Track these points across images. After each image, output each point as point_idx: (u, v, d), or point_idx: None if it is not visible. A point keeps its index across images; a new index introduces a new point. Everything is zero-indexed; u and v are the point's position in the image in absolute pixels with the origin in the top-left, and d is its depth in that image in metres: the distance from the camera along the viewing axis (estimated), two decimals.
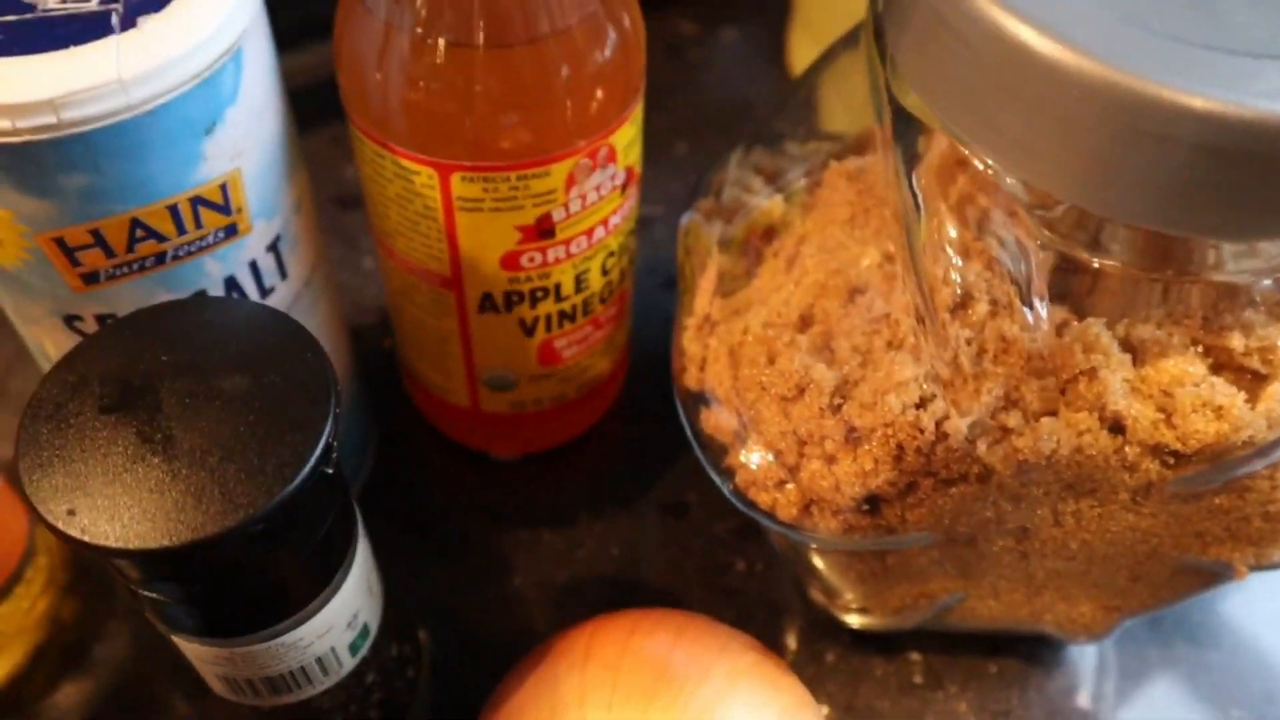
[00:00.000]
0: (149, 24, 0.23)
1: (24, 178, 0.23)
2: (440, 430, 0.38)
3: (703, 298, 0.31)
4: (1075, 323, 0.24)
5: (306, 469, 0.21)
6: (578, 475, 0.39)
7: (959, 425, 0.25)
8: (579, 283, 0.32)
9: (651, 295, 0.43)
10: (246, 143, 0.26)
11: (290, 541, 0.23)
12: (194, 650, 0.24)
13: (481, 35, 0.26)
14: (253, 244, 0.27)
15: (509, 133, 0.27)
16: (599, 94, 0.28)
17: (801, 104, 0.34)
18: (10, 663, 0.33)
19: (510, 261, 0.30)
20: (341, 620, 0.26)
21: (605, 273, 0.33)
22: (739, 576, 0.36)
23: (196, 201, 0.25)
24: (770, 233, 0.32)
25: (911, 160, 0.26)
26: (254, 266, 0.28)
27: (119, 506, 0.20)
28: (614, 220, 0.31)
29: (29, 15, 0.23)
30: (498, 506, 0.38)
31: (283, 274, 0.29)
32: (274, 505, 0.20)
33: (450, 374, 0.35)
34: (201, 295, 0.24)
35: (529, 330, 0.33)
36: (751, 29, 0.55)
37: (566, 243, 0.30)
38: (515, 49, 0.26)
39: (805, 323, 0.29)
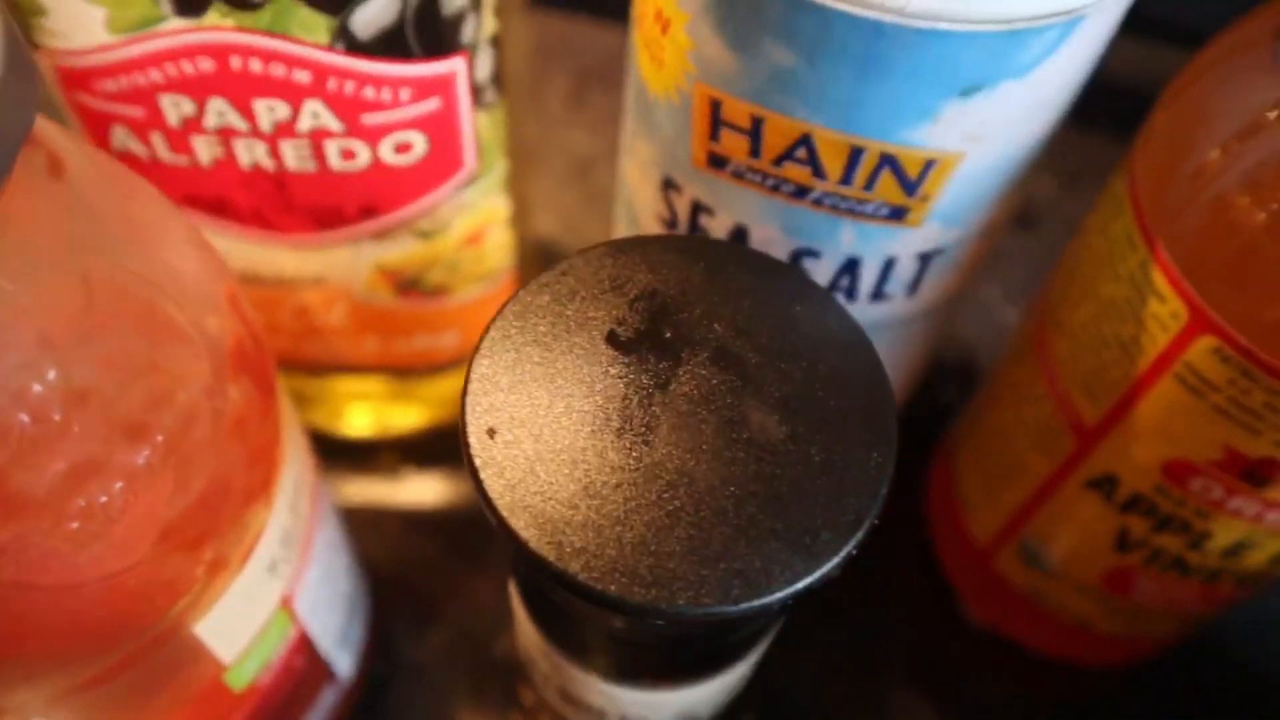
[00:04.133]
0: None
1: (727, 18, 0.17)
2: (929, 528, 0.30)
3: None
4: None
5: (826, 566, 0.14)
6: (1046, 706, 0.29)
7: None
8: (1232, 551, 0.22)
9: None
10: (996, 130, 0.18)
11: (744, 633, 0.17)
12: (540, 649, 0.19)
13: None
14: (908, 241, 0.20)
15: None
16: None
17: None
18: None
19: (1176, 471, 0.20)
20: (695, 704, 0.20)
21: (1272, 562, 0.22)
22: None
23: (888, 162, 0.18)
24: None
25: None
26: (889, 265, 0.21)
27: (567, 484, 0.14)
28: None
29: None
30: (933, 652, 0.29)
31: (911, 289, 0.21)
32: (754, 605, 0.14)
33: (989, 503, 0.26)
34: (795, 269, 0.17)
35: (1122, 544, 0.23)
36: None
37: (1268, 505, 0.20)
38: None
39: None
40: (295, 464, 0.20)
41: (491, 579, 0.29)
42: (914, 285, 0.21)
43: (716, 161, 0.20)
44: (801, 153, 0.18)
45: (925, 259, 0.21)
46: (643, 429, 0.15)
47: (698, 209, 0.21)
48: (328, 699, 0.24)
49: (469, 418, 0.15)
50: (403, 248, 0.24)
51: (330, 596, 0.22)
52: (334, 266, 0.24)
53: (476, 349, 0.16)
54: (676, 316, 0.16)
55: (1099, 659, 0.28)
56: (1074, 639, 0.27)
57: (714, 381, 0.15)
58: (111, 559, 0.15)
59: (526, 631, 0.20)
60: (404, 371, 0.28)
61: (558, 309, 0.16)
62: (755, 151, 0.19)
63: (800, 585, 0.14)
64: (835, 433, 0.15)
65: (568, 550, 0.14)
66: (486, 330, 0.16)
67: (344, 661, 0.24)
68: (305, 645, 0.22)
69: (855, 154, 0.18)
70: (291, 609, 0.20)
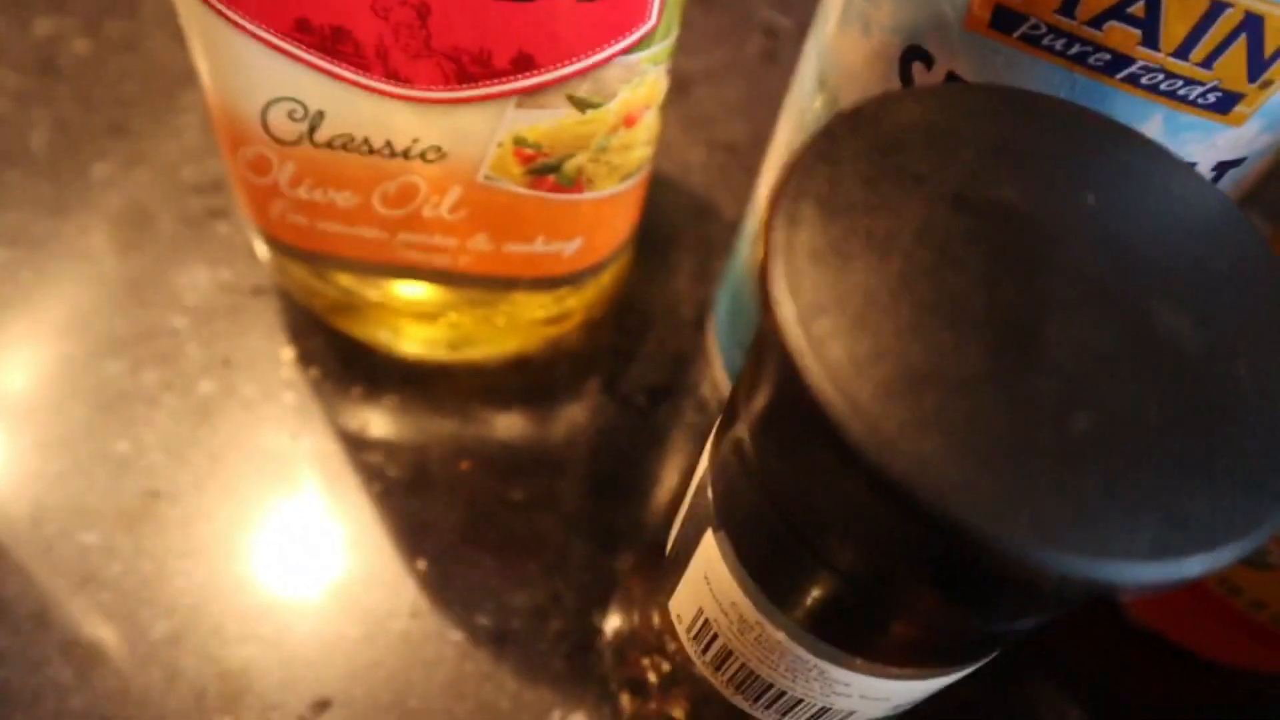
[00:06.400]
0: None
1: None
2: None
3: None
4: None
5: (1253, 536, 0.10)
6: None
7: None
8: None
9: None
10: None
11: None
12: (745, 609, 0.15)
13: None
14: (1218, 144, 0.16)
15: None
16: None
17: None
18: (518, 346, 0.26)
19: None
20: (908, 700, 0.16)
21: None
22: None
23: (1249, 27, 0.14)
24: None
25: None
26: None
27: (927, 391, 0.10)
28: None
29: None
30: (1083, 649, 0.26)
31: None
32: (1208, 563, 0.10)
33: None
34: (1158, 144, 0.14)
35: None
36: None
37: None
38: None
39: None
40: None
41: (583, 536, 0.25)
42: None
43: (1005, 20, 0.16)
44: (1138, 8, 0.14)
45: (1222, 170, 0.17)
46: (1023, 323, 0.11)
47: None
48: None
49: (777, 290, 0.11)
50: (552, 118, 0.19)
51: None
52: (462, 135, 0.19)
53: (776, 200, 0.12)
54: (1036, 183, 0.12)
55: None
56: (1262, 640, 0.24)
57: (1104, 270, 0.11)
58: None
59: (722, 597, 0.15)
60: (505, 283, 0.24)
61: (879, 159, 0.12)
62: (1069, 6, 0.15)
63: (1256, 538, 0.10)
64: (1259, 348, 0.11)
65: (943, 485, 0.10)
66: (787, 177, 0.12)
67: None
68: None
69: (1214, 12, 0.14)
70: None
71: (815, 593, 0.13)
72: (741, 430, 0.14)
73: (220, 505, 0.24)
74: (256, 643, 0.23)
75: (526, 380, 0.27)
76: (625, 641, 0.22)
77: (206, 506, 0.24)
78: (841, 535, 0.12)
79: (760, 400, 0.13)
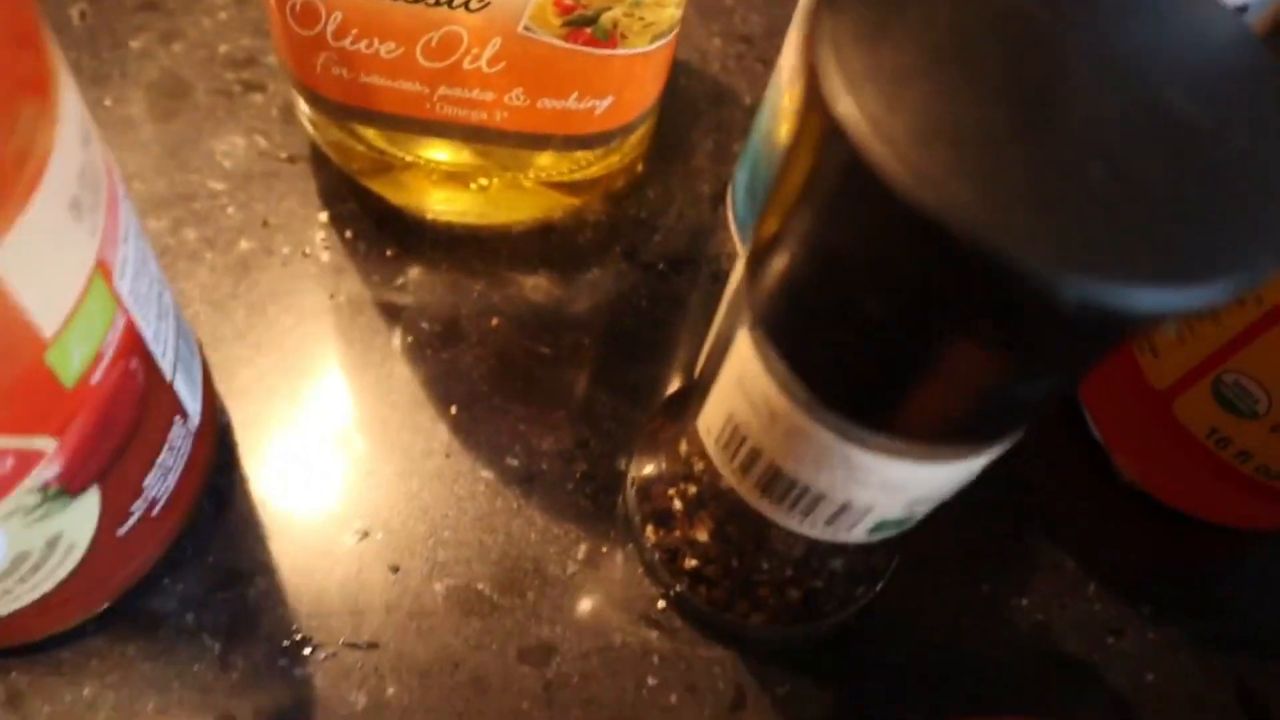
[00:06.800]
0: None
1: None
2: None
3: None
4: None
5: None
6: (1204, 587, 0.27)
7: None
8: None
9: None
10: None
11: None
12: (760, 391, 0.17)
13: None
14: None
15: None
16: None
17: None
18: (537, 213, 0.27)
19: None
20: (923, 495, 0.17)
21: None
22: None
23: None
24: None
25: None
26: None
27: (965, 151, 0.12)
28: None
29: None
30: (1077, 505, 0.27)
31: None
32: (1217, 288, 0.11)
33: (1190, 336, 0.24)
34: None
35: None
36: None
37: None
38: None
39: None
40: (74, 98, 0.15)
41: (607, 389, 0.26)
42: None
43: None
44: None
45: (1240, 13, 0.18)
46: (1044, 94, 0.12)
47: None
48: (179, 438, 0.21)
49: (823, 61, 0.12)
50: None
51: (154, 300, 0.19)
52: None
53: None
54: None
55: (1268, 520, 0.26)
56: (1248, 492, 0.25)
57: (1119, 58, 0.13)
58: None
59: (755, 394, 0.17)
60: (538, 141, 0.25)
61: None
62: None
63: (1245, 278, 0.12)
64: (1255, 126, 0.13)
65: (974, 219, 0.11)
66: None
67: (190, 399, 0.21)
68: (138, 345, 0.18)
69: None
70: (111, 284, 0.17)
71: (846, 364, 0.15)
72: (783, 211, 0.15)
73: (261, 353, 0.25)
74: (298, 477, 0.24)
75: (552, 247, 0.28)
76: (650, 480, 0.23)
77: (248, 354, 0.25)
78: (875, 290, 0.13)
79: (804, 172, 0.14)
